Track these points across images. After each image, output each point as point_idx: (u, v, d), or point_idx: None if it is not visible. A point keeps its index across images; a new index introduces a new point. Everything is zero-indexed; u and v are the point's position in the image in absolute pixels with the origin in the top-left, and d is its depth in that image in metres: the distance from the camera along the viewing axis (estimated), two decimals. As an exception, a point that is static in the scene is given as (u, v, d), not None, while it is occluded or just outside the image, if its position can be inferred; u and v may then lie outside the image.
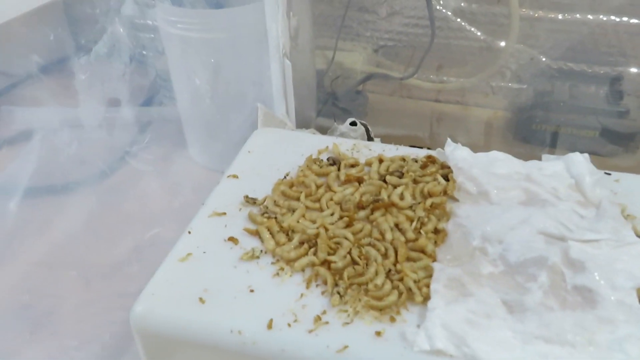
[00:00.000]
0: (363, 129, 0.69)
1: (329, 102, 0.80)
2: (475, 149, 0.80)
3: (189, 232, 0.37)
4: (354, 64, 0.86)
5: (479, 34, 0.78)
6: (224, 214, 0.39)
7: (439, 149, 0.45)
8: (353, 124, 0.69)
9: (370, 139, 0.71)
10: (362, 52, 0.87)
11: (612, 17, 0.72)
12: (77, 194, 0.66)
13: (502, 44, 0.77)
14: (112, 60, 0.53)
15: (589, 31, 0.73)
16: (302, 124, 0.77)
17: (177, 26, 0.67)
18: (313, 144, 0.46)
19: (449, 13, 0.78)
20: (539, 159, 0.77)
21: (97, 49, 0.51)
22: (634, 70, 0.74)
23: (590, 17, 0.73)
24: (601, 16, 0.72)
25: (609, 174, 0.41)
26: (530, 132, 0.78)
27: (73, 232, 0.58)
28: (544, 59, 0.78)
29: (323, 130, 0.74)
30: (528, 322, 0.30)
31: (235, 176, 0.43)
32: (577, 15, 0.73)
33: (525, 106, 0.81)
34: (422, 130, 0.80)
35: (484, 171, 0.40)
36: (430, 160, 0.43)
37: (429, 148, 0.49)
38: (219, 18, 0.65)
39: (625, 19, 0.71)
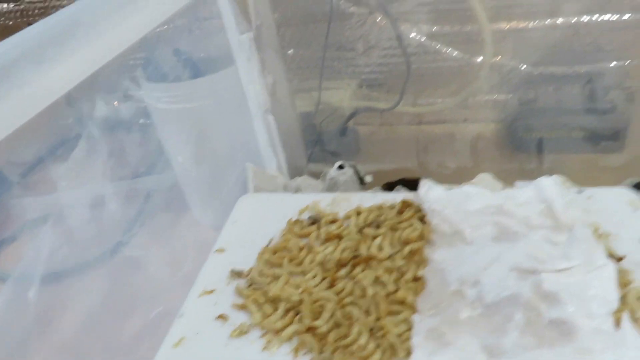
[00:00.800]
0: (352, 170, 0.71)
1: (316, 146, 0.82)
2: (464, 169, 0.81)
3: (181, 316, 0.39)
4: (341, 101, 0.88)
5: (455, 53, 0.80)
6: (213, 291, 0.41)
7: (414, 192, 0.46)
8: (341, 167, 0.71)
9: (360, 179, 0.73)
10: (347, 89, 0.89)
11: (582, 18, 0.73)
12: (88, 276, 0.69)
13: (480, 59, 0.78)
14: (91, 161, 0.56)
15: (562, 33, 0.74)
16: (295, 172, 0.79)
17: (162, 100, 0.71)
18: (295, 204, 0.48)
19: (423, 39, 0.80)
20: (531, 167, 0.77)
21: (74, 155, 0.54)
22: (613, 64, 0.74)
23: (559, 20, 0.74)
24: (570, 18, 0.73)
25: (581, 192, 0.42)
26: (519, 141, 0.79)
27: (87, 316, 0.61)
28: (523, 67, 0.79)
29: (316, 175, 0.77)
30: (509, 364, 0.31)
31: (221, 250, 0.45)
32: (547, 21, 0.74)
33: (512, 116, 0.81)
34: (411, 160, 0.81)
35: (457, 210, 0.41)
36: (406, 205, 0.45)
37: (418, 178, 0.50)
38: (198, 87, 0.68)
39: (595, 16, 0.72)
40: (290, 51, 0.81)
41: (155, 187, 0.89)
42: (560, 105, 0.78)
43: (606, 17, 0.72)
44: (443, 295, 0.36)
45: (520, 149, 0.80)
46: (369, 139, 0.89)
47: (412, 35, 0.78)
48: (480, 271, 0.36)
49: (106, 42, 0.45)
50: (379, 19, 0.78)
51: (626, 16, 0.71)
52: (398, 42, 0.77)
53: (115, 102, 0.66)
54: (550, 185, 0.41)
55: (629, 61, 0.72)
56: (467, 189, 0.44)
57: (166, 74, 0.70)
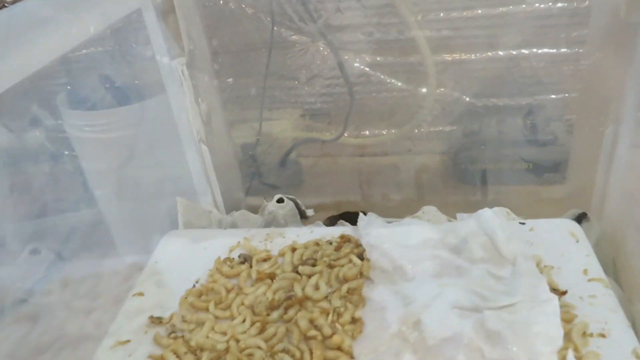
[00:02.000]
0: (292, 204, 0.69)
1: (255, 178, 0.80)
2: (409, 201, 0.81)
3: (90, 371, 0.36)
4: (283, 132, 0.87)
5: (399, 84, 0.80)
6: (128, 341, 0.37)
7: (354, 226, 0.45)
8: (280, 200, 0.69)
9: (301, 212, 0.71)
10: (290, 119, 0.88)
11: (522, 50, 0.75)
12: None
13: (423, 90, 0.79)
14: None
15: (503, 65, 0.76)
16: (232, 207, 0.77)
17: (84, 129, 0.67)
18: (226, 241, 0.45)
19: (367, 69, 0.80)
20: (476, 199, 0.78)
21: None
22: (552, 96, 0.77)
23: (500, 53, 0.76)
24: (510, 51, 0.75)
25: (523, 224, 0.42)
26: (464, 172, 0.80)
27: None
28: (467, 99, 0.80)
29: (254, 209, 0.74)
30: (452, 412, 0.29)
31: (140, 294, 0.41)
32: (488, 53, 0.76)
33: (456, 148, 0.82)
34: (354, 193, 0.80)
35: (396, 244, 0.40)
36: (345, 240, 0.43)
37: (363, 212, 0.48)
38: (124, 115, 0.65)
39: (534, 50, 0.75)
40: (230, 80, 0.79)
41: (74, 224, 0.84)
42: (503, 137, 0.80)
43: (544, 50, 0.74)
44: (382, 338, 0.34)
45: (465, 180, 0.81)
46: (311, 171, 0.88)
47: (356, 65, 0.79)
48: (422, 310, 0.34)
49: (13, 63, 0.42)
50: (322, 48, 0.78)
51: (563, 50, 0.74)
52: (341, 71, 0.77)
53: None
54: (491, 217, 0.41)
55: (567, 94, 0.75)
56: (407, 222, 0.43)
57: (90, 100, 0.66)
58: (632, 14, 0.53)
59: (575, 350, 0.32)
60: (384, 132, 0.85)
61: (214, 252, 0.44)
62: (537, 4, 0.65)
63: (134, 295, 0.41)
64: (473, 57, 0.77)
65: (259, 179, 0.80)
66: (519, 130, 0.79)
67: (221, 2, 0.74)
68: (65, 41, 0.48)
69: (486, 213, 0.41)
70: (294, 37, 0.80)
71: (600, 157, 0.63)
